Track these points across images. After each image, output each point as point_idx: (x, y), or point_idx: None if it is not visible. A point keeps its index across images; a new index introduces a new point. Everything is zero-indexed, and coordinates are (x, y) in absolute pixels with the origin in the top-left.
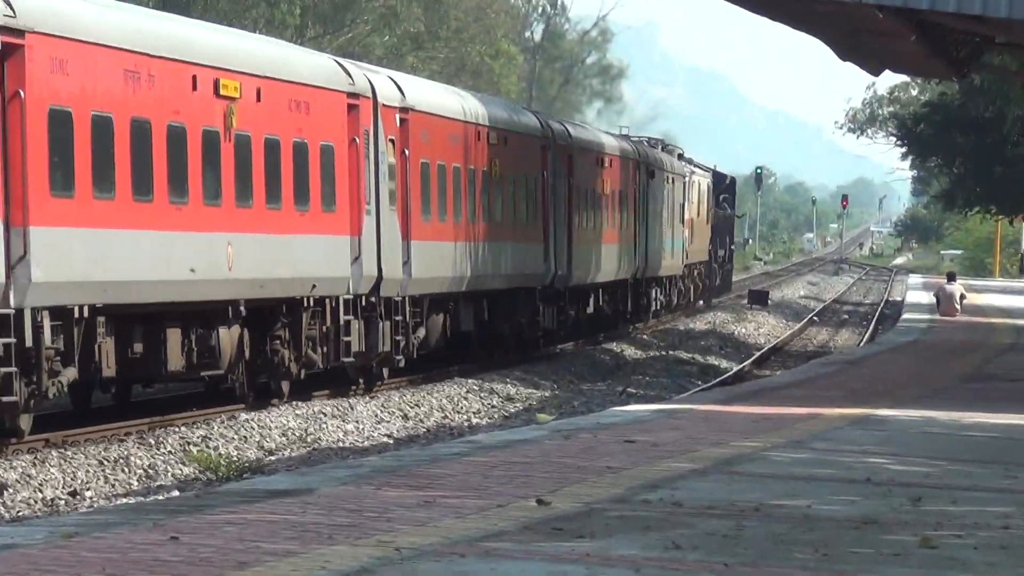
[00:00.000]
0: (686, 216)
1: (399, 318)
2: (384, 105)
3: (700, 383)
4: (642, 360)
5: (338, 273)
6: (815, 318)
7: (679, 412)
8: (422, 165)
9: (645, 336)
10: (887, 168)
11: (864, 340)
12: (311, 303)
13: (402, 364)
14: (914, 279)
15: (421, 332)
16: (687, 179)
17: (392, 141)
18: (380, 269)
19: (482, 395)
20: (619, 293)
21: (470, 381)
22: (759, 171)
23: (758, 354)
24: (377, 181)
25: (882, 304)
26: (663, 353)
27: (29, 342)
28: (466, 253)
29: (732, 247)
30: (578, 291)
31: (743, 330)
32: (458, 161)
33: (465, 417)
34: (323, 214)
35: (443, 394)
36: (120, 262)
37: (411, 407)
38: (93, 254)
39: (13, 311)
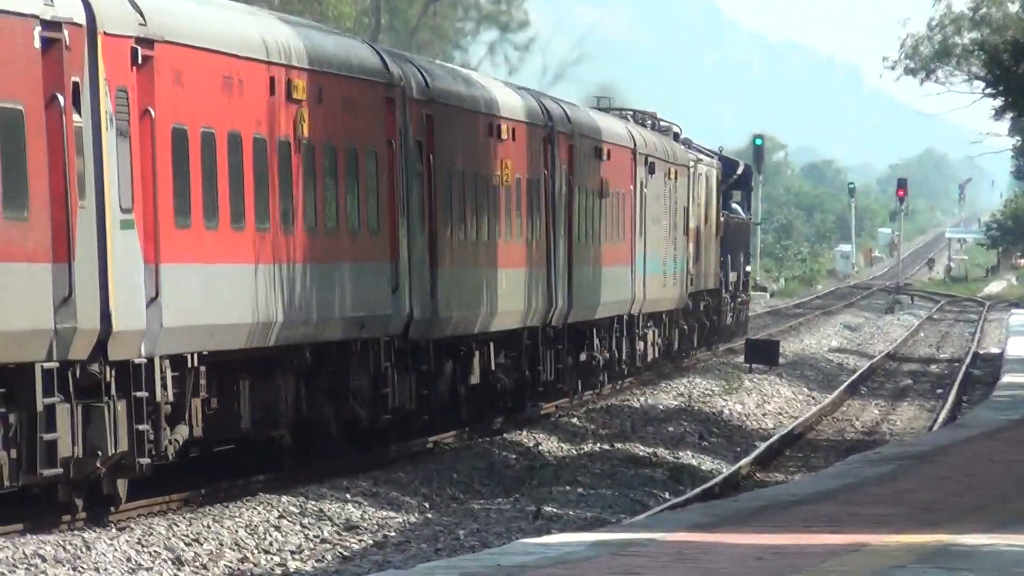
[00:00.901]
0: (691, 224)
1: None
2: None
3: (668, 496)
4: (572, 459)
5: None
6: (857, 386)
7: (633, 545)
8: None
9: (577, 419)
10: (971, 133)
11: (939, 421)
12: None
13: (146, 472)
14: (1021, 319)
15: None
16: (691, 171)
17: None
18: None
19: (305, 522)
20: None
21: (284, 499)
22: (758, 142)
23: (763, 446)
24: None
25: (967, 361)
26: (607, 447)
27: (159, 396)
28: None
29: (748, 268)
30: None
31: (738, 406)
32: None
33: (278, 560)
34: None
35: (240, 521)
36: (224, 302)
37: (187, 544)
38: (206, 293)
39: (145, 360)
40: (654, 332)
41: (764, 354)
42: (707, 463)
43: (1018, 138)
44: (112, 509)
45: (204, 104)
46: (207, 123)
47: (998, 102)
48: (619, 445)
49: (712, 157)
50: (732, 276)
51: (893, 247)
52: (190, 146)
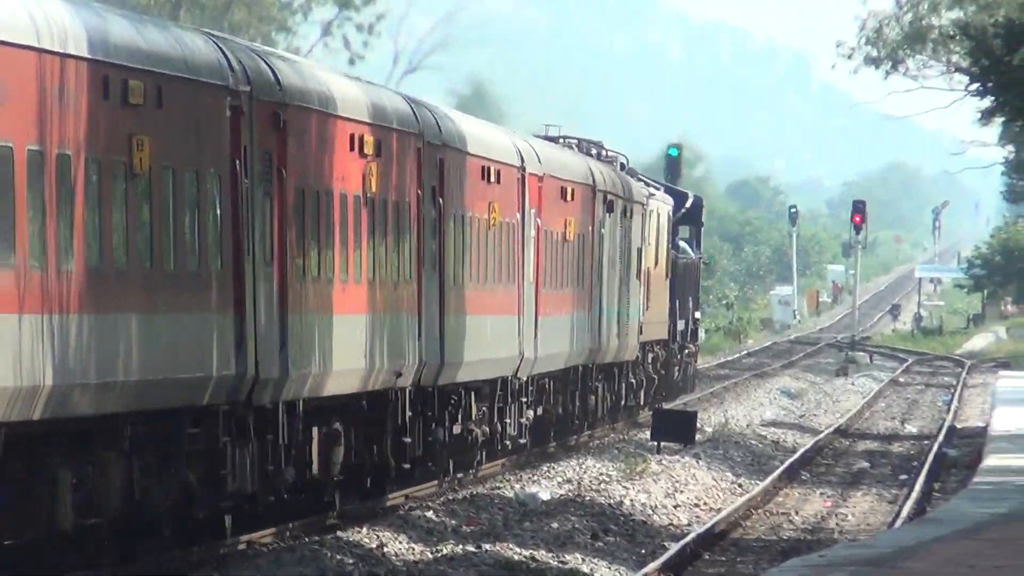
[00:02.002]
0: (643, 266)
1: None
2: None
3: None
4: (426, 565)
5: None
6: (797, 470)
7: None
8: None
9: (433, 512)
10: (950, 142)
11: (902, 515)
12: None
13: None
14: (1011, 383)
15: None
16: (645, 208)
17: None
18: None
19: None
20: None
21: None
22: (672, 153)
23: (675, 548)
24: None
25: (940, 438)
26: (472, 549)
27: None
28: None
29: (697, 315)
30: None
31: (642, 496)
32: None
33: None
34: None
35: None
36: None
37: None
38: None
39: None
40: (603, 387)
41: (676, 428)
42: (602, 570)
43: (1010, 148)
44: None
45: None
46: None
47: (985, 102)
48: (488, 547)
49: (659, 189)
50: (680, 324)
51: (836, 291)
52: None
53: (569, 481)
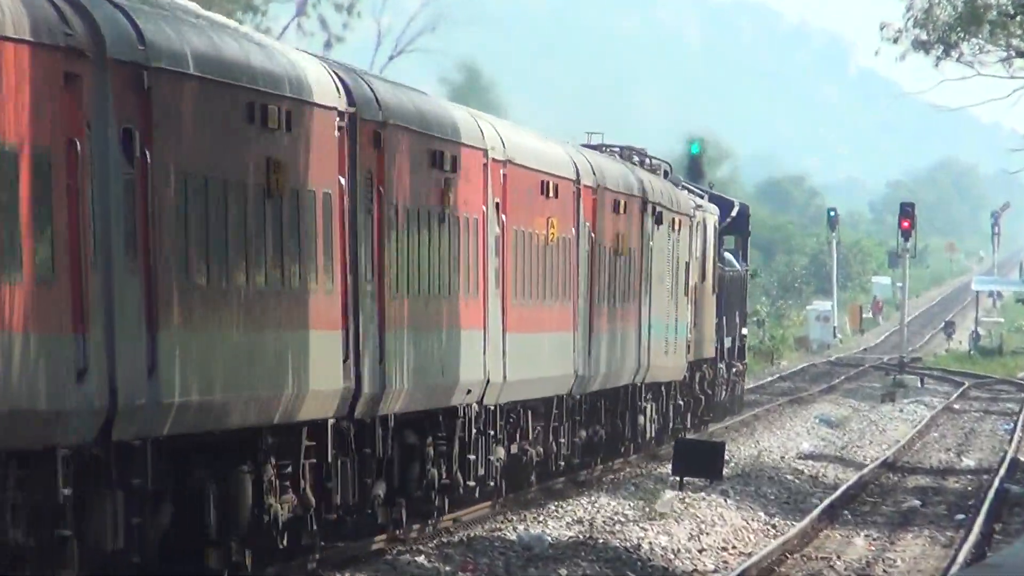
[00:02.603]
0: (690, 280)
1: None
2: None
3: None
4: None
5: None
6: (839, 509)
7: None
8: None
9: (425, 557)
10: (1010, 137)
11: (959, 561)
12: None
13: None
14: None
15: None
16: (692, 219)
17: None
18: None
19: None
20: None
21: None
22: (695, 149)
23: None
24: None
25: (1002, 471)
26: None
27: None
28: None
29: (745, 331)
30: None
31: (663, 539)
32: None
33: None
34: None
35: None
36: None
37: None
38: None
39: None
40: (651, 407)
41: (701, 462)
42: None
43: None
44: None
45: None
46: None
47: None
48: None
49: (703, 197)
50: (727, 342)
51: (877, 309)
52: None
53: (580, 521)
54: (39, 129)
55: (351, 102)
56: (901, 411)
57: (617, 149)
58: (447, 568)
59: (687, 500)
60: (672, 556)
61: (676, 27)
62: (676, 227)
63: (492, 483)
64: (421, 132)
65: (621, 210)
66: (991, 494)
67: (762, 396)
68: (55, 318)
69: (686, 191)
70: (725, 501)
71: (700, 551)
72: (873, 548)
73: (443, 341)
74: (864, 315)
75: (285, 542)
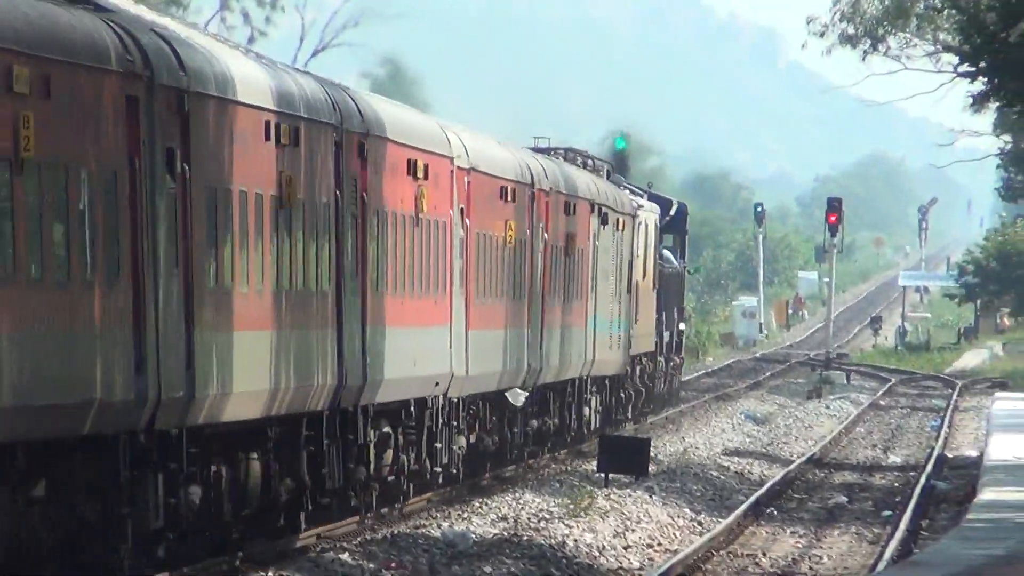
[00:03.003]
0: (633, 278)
1: None
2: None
3: None
4: None
5: None
6: (765, 505)
7: None
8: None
9: (349, 555)
10: (937, 132)
11: (885, 558)
12: None
13: None
14: (1008, 405)
15: None
16: (635, 219)
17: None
18: None
19: None
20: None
21: None
22: (620, 144)
23: None
24: None
25: (929, 468)
26: None
27: None
28: None
29: (682, 326)
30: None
31: (588, 536)
32: None
33: None
34: None
35: None
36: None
37: None
38: None
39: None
40: (596, 400)
41: (627, 459)
42: None
43: (1006, 138)
44: None
45: None
46: None
47: (977, 85)
48: None
49: (642, 195)
50: (666, 336)
51: (798, 303)
52: None
53: (505, 518)
54: (109, 147)
55: (340, 119)
56: (827, 407)
57: (562, 152)
58: (371, 566)
59: (612, 497)
60: (597, 553)
61: (607, 21)
62: (620, 227)
63: (454, 470)
64: (398, 142)
65: (572, 211)
66: (918, 491)
67: (688, 392)
68: (120, 316)
69: (627, 191)
70: (651, 498)
71: (625, 548)
72: (799, 545)
73: (417, 337)
74: (789, 310)
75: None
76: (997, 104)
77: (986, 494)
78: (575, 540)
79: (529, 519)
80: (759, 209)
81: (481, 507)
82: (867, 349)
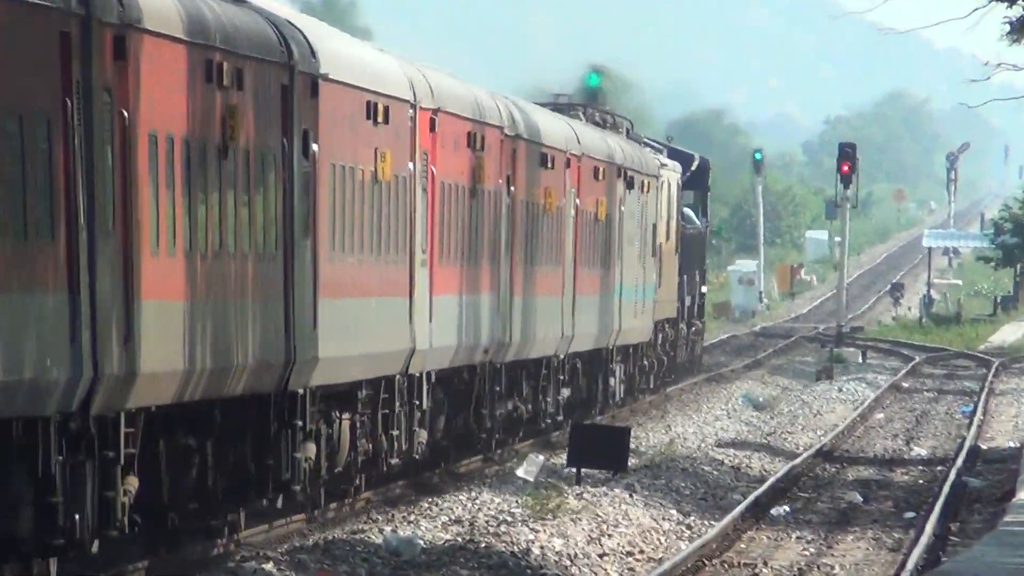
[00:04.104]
0: (656, 242)
1: None
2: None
3: None
4: None
5: None
6: (767, 506)
7: None
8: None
9: (273, 565)
10: (969, 66)
11: (908, 568)
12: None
13: None
14: None
15: None
16: (658, 180)
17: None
18: None
19: None
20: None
21: None
22: (593, 81)
23: None
24: None
25: (958, 462)
26: None
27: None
28: None
29: (704, 289)
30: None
31: (557, 542)
32: None
33: None
34: None
35: None
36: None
37: None
38: None
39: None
40: (620, 369)
41: (602, 451)
42: None
43: None
44: None
45: None
46: None
47: (1016, 10)
48: None
49: (662, 152)
50: (687, 300)
51: (795, 274)
52: None
53: (459, 521)
54: (276, 130)
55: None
56: (839, 391)
57: (580, 108)
58: None
59: (586, 496)
60: (568, 562)
61: None
62: (645, 189)
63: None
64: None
65: (600, 177)
66: (946, 488)
67: (675, 373)
68: (273, 287)
69: (648, 148)
70: (631, 497)
71: (601, 556)
72: (807, 553)
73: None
74: (803, 276)
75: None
76: None
77: None
78: (542, 547)
79: (487, 522)
80: (758, 156)
81: (431, 508)
82: (886, 322)
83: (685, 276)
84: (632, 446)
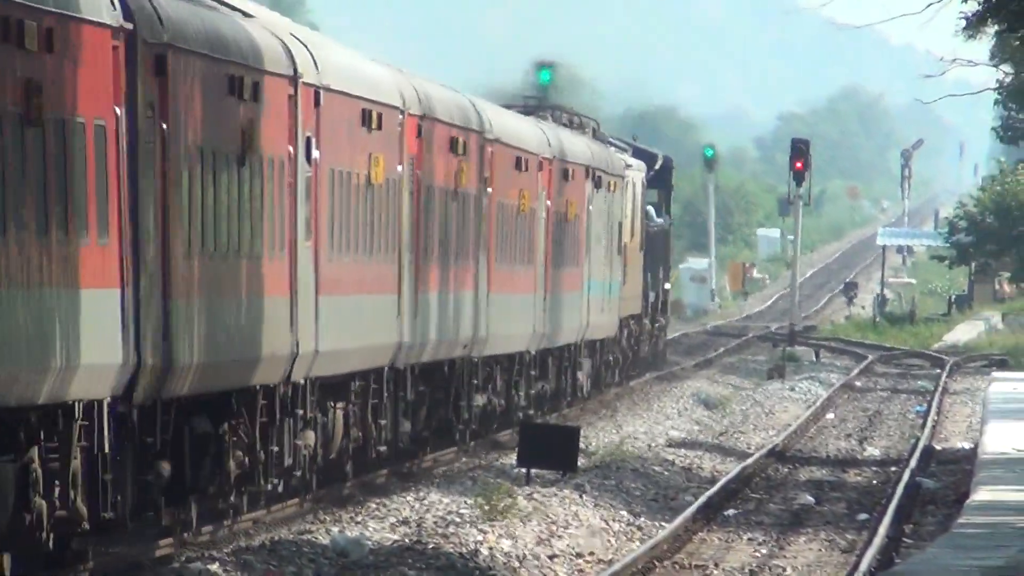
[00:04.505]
0: (622, 240)
1: None
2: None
3: None
4: None
5: None
6: (718, 507)
7: None
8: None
9: (219, 564)
10: (924, 61)
11: (861, 567)
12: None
13: None
14: (1007, 388)
15: None
16: (624, 179)
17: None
18: None
19: None
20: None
21: None
22: (545, 78)
23: None
24: None
25: (912, 462)
26: None
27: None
28: None
29: (667, 286)
30: None
31: (505, 544)
32: None
33: None
34: None
35: None
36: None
37: None
38: None
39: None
40: (588, 363)
41: (552, 451)
42: None
43: (1006, 69)
44: None
45: None
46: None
47: (972, 5)
48: None
49: (627, 151)
50: (651, 296)
51: (747, 273)
52: None
53: (406, 522)
54: (286, 138)
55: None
56: (792, 390)
57: (548, 110)
58: None
59: (536, 496)
60: (517, 564)
61: None
62: (611, 189)
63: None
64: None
65: (570, 178)
66: (900, 489)
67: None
68: (280, 285)
69: (613, 148)
70: (581, 498)
71: (551, 558)
72: (758, 554)
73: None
74: (755, 274)
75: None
76: (996, 28)
77: (981, 494)
78: (490, 548)
79: (436, 523)
80: (710, 153)
81: (378, 509)
82: (839, 321)
83: (649, 273)
84: (582, 446)
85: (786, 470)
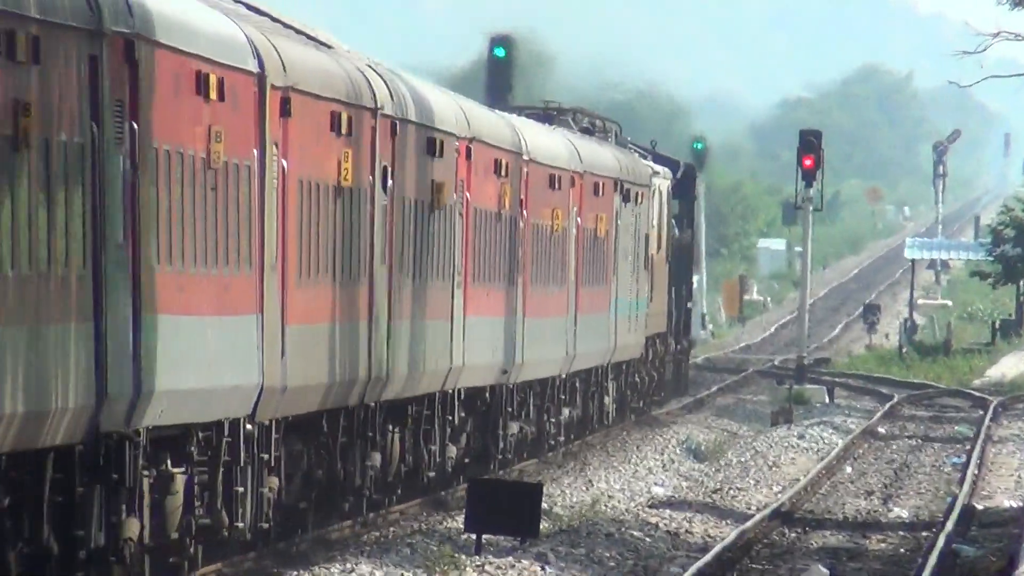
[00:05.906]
0: (648, 253)
1: None
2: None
3: None
4: None
5: None
6: None
7: None
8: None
9: None
10: (959, 35)
11: None
12: None
13: None
14: None
15: None
16: (651, 188)
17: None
18: None
19: None
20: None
21: None
22: (500, 53)
23: None
24: None
25: (948, 525)
26: None
27: None
28: None
29: (690, 303)
30: None
31: None
32: None
33: None
34: None
35: None
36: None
37: None
38: None
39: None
40: (613, 386)
41: (508, 512)
42: None
43: None
44: None
45: None
46: None
47: None
48: None
49: (647, 157)
50: (675, 315)
51: (744, 292)
52: None
53: None
54: (368, 168)
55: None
56: (801, 437)
57: (569, 113)
58: None
59: (488, 569)
60: None
61: None
62: (639, 200)
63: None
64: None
65: (600, 192)
66: (933, 558)
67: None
68: (356, 311)
69: (636, 153)
70: (543, 570)
71: None
72: None
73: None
74: (756, 295)
75: None
76: None
77: None
78: None
79: None
80: (700, 147)
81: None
82: (858, 352)
83: (674, 288)
84: (545, 506)
85: (794, 535)
